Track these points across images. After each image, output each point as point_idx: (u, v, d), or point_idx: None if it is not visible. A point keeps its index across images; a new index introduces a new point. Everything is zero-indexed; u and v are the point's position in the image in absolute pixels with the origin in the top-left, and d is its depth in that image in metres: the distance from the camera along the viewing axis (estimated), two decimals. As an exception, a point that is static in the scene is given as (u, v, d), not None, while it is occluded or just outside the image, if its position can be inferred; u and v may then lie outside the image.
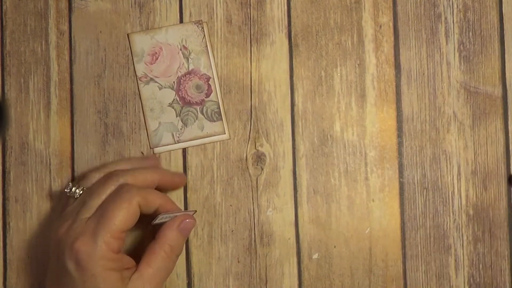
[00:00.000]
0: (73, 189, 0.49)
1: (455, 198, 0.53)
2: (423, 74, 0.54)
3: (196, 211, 0.52)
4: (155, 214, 0.48)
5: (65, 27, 0.55)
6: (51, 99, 0.55)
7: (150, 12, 0.55)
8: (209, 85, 0.54)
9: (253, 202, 0.54)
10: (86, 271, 0.43)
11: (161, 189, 0.50)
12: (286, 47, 0.55)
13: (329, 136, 0.54)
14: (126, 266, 0.45)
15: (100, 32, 0.55)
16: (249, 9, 0.55)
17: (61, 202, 0.51)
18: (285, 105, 0.54)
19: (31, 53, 0.55)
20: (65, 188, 0.49)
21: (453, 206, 0.53)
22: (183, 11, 0.55)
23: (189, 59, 0.55)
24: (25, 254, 0.54)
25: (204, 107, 0.54)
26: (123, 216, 0.44)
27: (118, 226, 0.44)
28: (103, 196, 0.46)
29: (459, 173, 0.54)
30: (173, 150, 0.54)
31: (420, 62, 0.54)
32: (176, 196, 0.54)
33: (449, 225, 0.53)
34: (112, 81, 0.55)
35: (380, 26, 0.55)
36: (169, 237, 0.47)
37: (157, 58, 0.55)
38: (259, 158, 0.54)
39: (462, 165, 0.54)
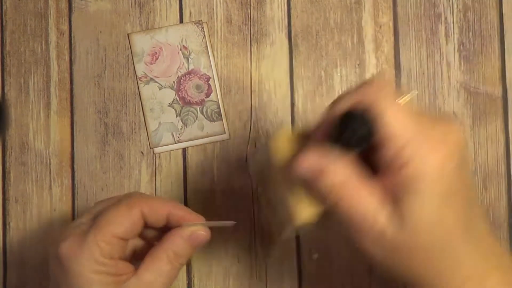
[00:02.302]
0: None
1: (455, 198, 0.53)
2: (423, 74, 0.54)
3: (235, 222, 0.45)
4: (168, 225, 0.43)
5: (65, 27, 0.55)
6: (51, 99, 0.55)
7: (150, 12, 0.55)
8: (209, 85, 0.54)
9: (253, 202, 0.53)
10: (70, 272, 0.39)
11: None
12: (286, 47, 0.55)
13: (329, 136, 0.54)
14: (122, 272, 0.41)
15: (100, 32, 0.55)
16: (249, 9, 0.55)
17: None
18: (285, 105, 0.54)
19: (31, 53, 0.55)
20: None
21: (453, 206, 0.53)
22: (183, 11, 0.55)
23: (189, 59, 0.55)
24: (25, 254, 0.54)
25: (204, 107, 0.54)
26: (119, 221, 0.41)
27: (112, 230, 0.40)
28: (106, 205, 0.43)
29: (459, 173, 0.54)
30: (173, 150, 0.54)
31: (420, 62, 0.54)
32: (177, 196, 0.54)
33: (449, 225, 0.53)
34: (112, 81, 0.55)
35: (380, 26, 0.55)
36: (176, 243, 0.42)
37: (157, 58, 0.55)
38: (259, 158, 0.54)
39: (462, 165, 0.54)
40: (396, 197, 0.34)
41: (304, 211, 0.37)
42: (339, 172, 0.35)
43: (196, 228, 0.42)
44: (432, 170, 0.33)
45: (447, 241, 0.35)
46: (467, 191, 0.36)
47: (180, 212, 0.42)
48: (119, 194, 0.54)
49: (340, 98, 0.35)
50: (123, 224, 0.41)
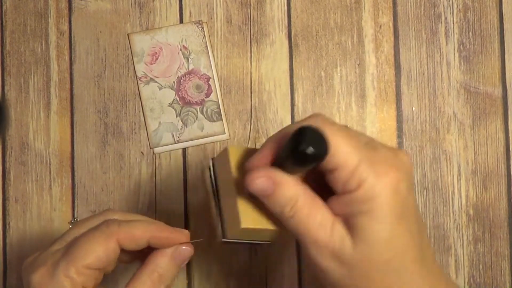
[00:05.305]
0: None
1: (455, 198, 0.53)
2: (423, 74, 0.54)
3: (202, 239, 0.43)
4: (150, 248, 0.41)
5: (65, 27, 0.55)
6: (51, 99, 0.55)
7: (150, 12, 0.55)
8: (209, 85, 0.54)
9: (253, 202, 0.53)
10: None
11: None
12: (286, 47, 0.55)
13: (329, 136, 0.54)
14: None
15: (100, 32, 0.55)
16: (249, 9, 0.55)
17: None
18: (285, 105, 0.54)
19: (31, 53, 0.55)
20: (68, 222, 0.45)
21: (453, 206, 0.53)
22: (183, 11, 0.55)
23: (189, 59, 0.55)
24: (25, 254, 0.54)
25: (204, 107, 0.54)
26: (94, 251, 0.38)
27: (85, 261, 0.38)
28: (82, 230, 0.40)
29: (459, 173, 0.54)
30: (173, 150, 0.54)
31: (420, 62, 0.54)
32: (176, 197, 0.54)
33: (449, 225, 0.53)
34: (112, 81, 0.55)
35: (380, 26, 0.55)
36: (160, 264, 0.40)
37: (157, 58, 0.55)
38: (259, 158, 0.54)
39: (462, 165, 0.54)
40: (351, 217, 0.34)
41: (248, 217, 0.37)
42: (293, 186, 0.35)
43: (179, 243, 0.40)
44: (385, 191, 0.34)
45: (401, 261, 0.35)
46: (418, 215, 0.36)
47: (163, 234, 0.40)
48: (119, 194, 0.54)
49: (286, 127, 0.36)
50: (98, 255, 0.39)
